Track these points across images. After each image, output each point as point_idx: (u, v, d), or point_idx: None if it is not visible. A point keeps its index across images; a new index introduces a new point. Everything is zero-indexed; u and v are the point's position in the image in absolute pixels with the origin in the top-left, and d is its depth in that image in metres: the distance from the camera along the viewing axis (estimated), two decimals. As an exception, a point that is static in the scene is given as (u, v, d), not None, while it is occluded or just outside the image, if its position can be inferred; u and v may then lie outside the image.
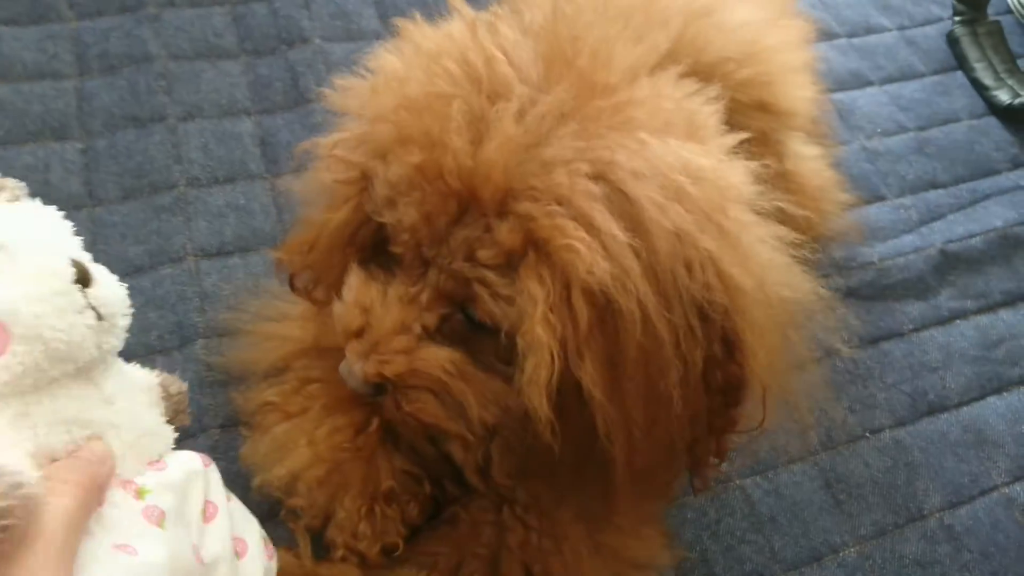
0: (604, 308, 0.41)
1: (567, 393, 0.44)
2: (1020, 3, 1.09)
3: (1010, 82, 1.00)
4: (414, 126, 0.44)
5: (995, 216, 0.89)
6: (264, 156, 0.82)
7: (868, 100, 0.99)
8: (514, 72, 0.44)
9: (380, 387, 0.49)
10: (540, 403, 0.42)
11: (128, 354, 0.68)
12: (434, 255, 0.45)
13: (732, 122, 0.58)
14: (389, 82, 0.47)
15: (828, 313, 0.52)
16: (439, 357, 0.47)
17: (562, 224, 0.40)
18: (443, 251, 0.45)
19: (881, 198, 0.90)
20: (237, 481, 0.63)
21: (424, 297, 0.47)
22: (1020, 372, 0.79)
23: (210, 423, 0.65)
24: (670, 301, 0.42)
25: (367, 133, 0.47)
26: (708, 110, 0.48)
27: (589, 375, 0.42)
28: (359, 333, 0.48)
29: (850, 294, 0.81)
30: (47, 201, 0.74)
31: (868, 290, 0.82)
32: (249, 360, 0.64)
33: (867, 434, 0.73)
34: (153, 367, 0.68)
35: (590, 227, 0.40)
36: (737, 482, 0.69)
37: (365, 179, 0.48)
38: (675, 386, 0.43)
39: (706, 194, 0.42)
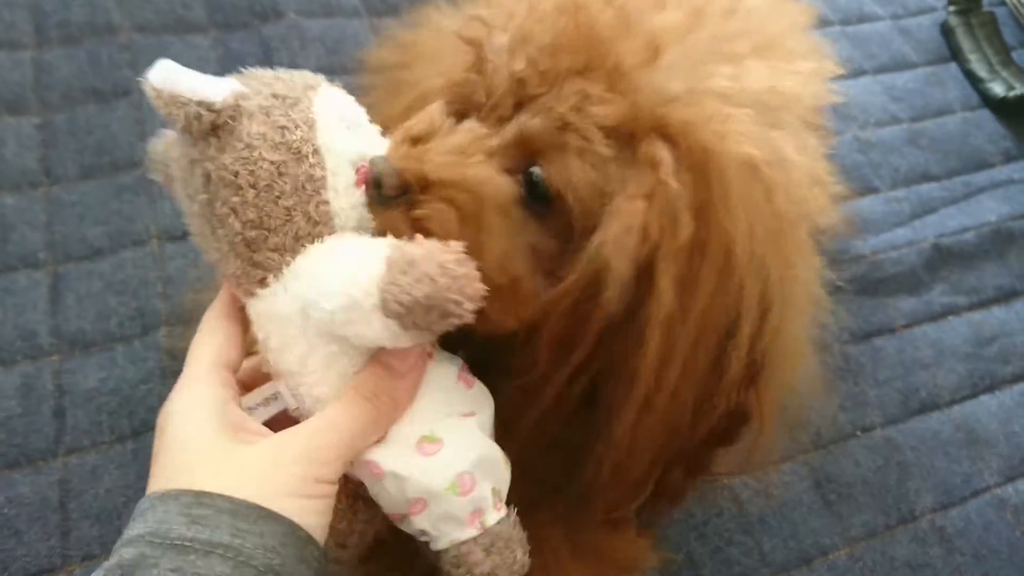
0: (708, 232, 0.38)
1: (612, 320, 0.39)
2: (1014, -6, 1.08)
3: (1004, 74, 0.99)
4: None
5: (988, 210, 0.87)
6: (234, 135, 0.78)
7: (861, 90, 0.96)
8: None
9: (404, 190, 0.40)
10: (620, 264, 0.38)
11: (86, 342, 0.65)
12: (537, 95, 0.40)
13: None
14: None
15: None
16: (495, 180, 0.40)
17: (711, 109, 0.38)
18: (551, 94, 0.40)
19: (874, 190, 0.88)
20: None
21: (497, 141, 0.41)
22: (1013, 370, 0.77)
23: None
24: (757, 266, 0.39)
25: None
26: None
27: (667, 283, 0.38)
28: (416, 140, 0.42)
29: (841, 288, 0.79)
30: (1, 178, 0.71)
31: (860, 284, 0.80)
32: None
33: (858, 432, 0.71)
34: (112, 356, 0.65)
35: (736, 127, 0.38)
36: (725, 482, 0.66)
37: (487, 37, 0.44)
38: (703, 372, 0.41)
39: (798, 207, 0.41)
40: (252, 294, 0.39)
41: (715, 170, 0.38)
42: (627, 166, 0.38)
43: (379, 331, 0.36)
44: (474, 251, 0.37)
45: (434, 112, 0.43)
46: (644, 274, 0.39)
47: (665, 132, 0.38)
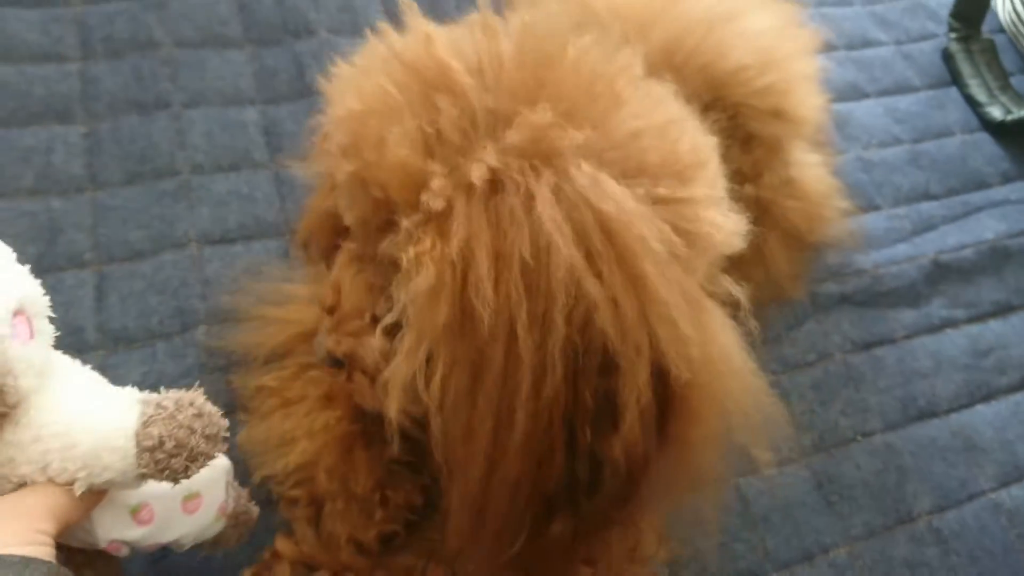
0: (464, 309, 0.38)
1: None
2: (1013, 22, 1.12)
3: (1003, 99, 1.02)
4: (356, 133, 0.43)
5: (986, 228, 0.91)
6: (268, 145, 0.82)
7: (864, 112, 1.00)
8: (472, 81, 0.41)
9: (339, 362, 0.50)
10: (391, 401, 0.41)
11: (129, 338, 0.69)
12: (371, 257, 0.45)
13: (746, 128, 0.59)
14: (351, 83, 0.46)
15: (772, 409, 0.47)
16: (373, 346, 0.47)
17: (450, 211, 0.38)
18: (374, 257, 0.45)
19: (876, 207, 0.91)
20: (235, 467, 0.63)
21: (379, 287, 0.47)
22: (1009, 381, 0.80)
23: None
24: (544, 333, 0.38)
25: (330, 128, 0.47)
26: (705, 143, 0.45)
27: (434, 378, 0.39)
28: (331, 310, 0.49)
29: (844, 300, 0.83)
30: (49, 183, 0.75)
31: (862, 296, 0.83)
32: (251, 344, 0.64)
33: (859, 437, 0.74)
34: (154, 352, 0.69)
35: (474, 224, 0.37)
36: (732, 481, 0.69)
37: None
38: (525, 431, 0.39)
39: (630, 241, 0.38)
40: None
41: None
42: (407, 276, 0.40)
43: (129, 481, 0.41)
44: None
45: (339, 268, 0.49)
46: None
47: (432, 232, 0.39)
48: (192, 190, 0.77)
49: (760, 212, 0.72)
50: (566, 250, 0.37)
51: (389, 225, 0.42)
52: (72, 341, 0.67)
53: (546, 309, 0.37)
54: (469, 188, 0.38)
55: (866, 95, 1.02)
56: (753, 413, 0.45)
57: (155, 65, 0.85)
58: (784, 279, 0.79)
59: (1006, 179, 0.97)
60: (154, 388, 0.66)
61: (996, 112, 1.01)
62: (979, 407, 0.78)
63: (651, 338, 0.39)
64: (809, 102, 0.63)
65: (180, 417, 0.41)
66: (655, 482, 0.44)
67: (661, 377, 0.40)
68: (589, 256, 0.38)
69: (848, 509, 0.70)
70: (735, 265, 0.75)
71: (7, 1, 0.86)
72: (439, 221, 0.38)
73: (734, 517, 0.68)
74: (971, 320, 0.84)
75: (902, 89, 1.04)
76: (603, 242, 0.38)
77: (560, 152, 0.39)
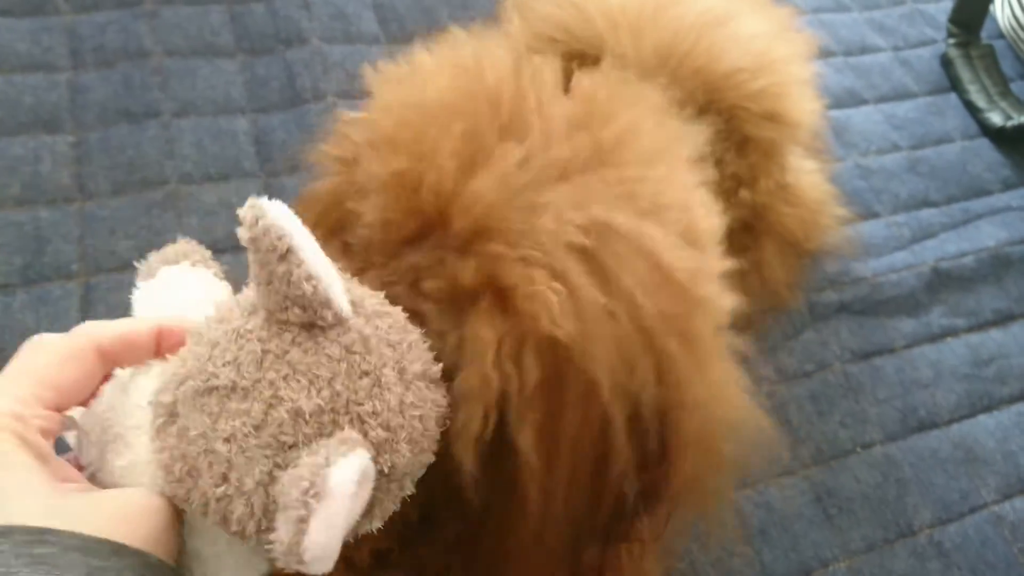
0: (557, 370, 0.37)
1: (495, 454, 0.39)
2: (1012, 27, 1.11)
3: (1002, 104, 1.02)
4: (413, 129, 0.41)
5: (986, 235, 0.90)
6: (259, 155, 0.81)
7: (862, 118, 1.00)
8: (539, 121, 0.40)
9: None
10: (467, 457, 0.38)
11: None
12: (380, 265, 0.42)
13: (741, 132, 0.58)
14: (412, 78, 0.45)
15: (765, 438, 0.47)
16: None
17: (532, 271, 0.36)
18: (389, 267, 0.41)
19: (874, 215, 0.90)
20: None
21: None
22: (1010, 391, 0.79)
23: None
24: (623, 387, 0.38)
25: (372, 119, 0.46)
26: (710, 210, 0.45)
27: (527, 439, 0.38)
28: None
29: (843, 309, 0.82)
30: (36, 193, 0.74)
31: (861, 305, 0.82)
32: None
33: (858, 449, 0.73)
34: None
35: (565, 280, 0.37)
36: (730, 496, 0.68)
37: (354, 162, 0.47)
38: (610, 475, 0.40)
39: (681, 298, 0.39)
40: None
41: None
42: (472, 335, 0.38)
43: None
44: None
45: None
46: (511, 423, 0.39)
47: (496, 292, 0.37)
48: (180, 200, 0.76)
49: (756, 218, 0.72)
50: (648, 304, 0.38)
51: (421, 241, 0.39)
52: (57, 353, 0.67)
53: (630, 366, 0.38)
54: (573, 231, 0.37)
55: (864, 101, 1.02)
56: (750, 434, 0.45)
57: (145, 74, 0.84)
58: (781, 287, 0.78)
59: (1006, 186, 0.96)
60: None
61: (996, 118, 1.00)
62: (980, 417, 0.77)
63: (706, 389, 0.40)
64: (804, 106, 0.62)
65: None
66: (668, 502, 0.45)
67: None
68: (661, 312, 0.38)
69: (847, 522, 0.69)
70: (732, 272, 0.75)
71: (-2, 11, 0.85)
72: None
73: (730, 531, 0.66)
74: (971, 329, 0.83)
75: (901, 95, 1.03)
76: (670, 301, 0.39)
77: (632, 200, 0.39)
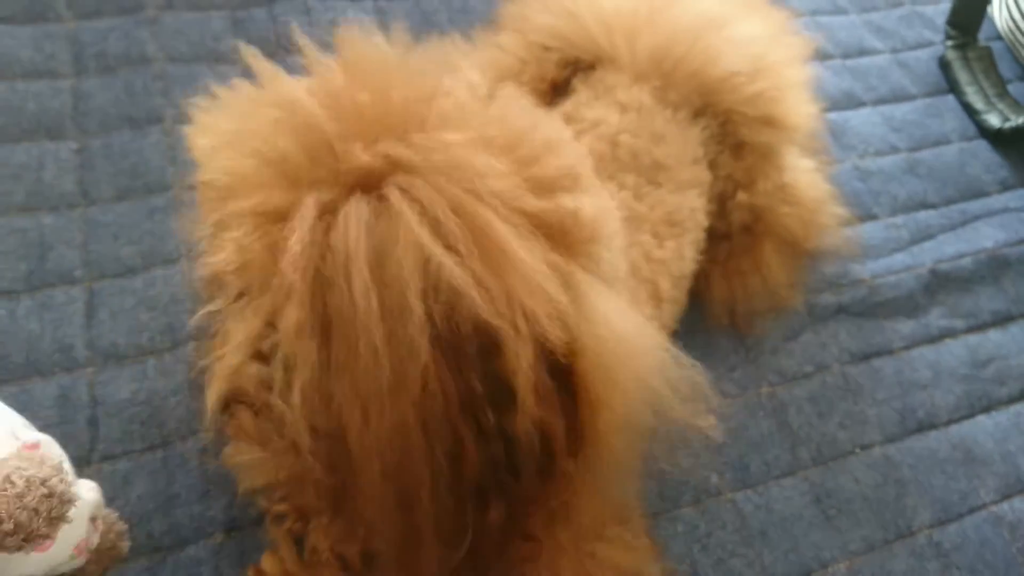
0: (313, 309, 0.37)
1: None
2: (1010, 29, 1.11)
3: (1000, 106, 1.02)
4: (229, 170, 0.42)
5: (985, 237, 0.90)
6: (260, 160, 0.82)
7: (861, 120, 1.00)
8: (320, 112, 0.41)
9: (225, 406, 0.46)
10: (296, 414, 0.39)
11: (119, 355, 0.69)
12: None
13: (737, 135, 0.58)
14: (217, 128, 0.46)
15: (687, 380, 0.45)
16: (253, 373, 0.44)
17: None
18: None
19: (873, 217, 0.91)
20: (224, 483, 0.63)
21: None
22: (1009, 391, 0.79)
23: (200, 428, 0.64)
24: (401, 321, 0.37)
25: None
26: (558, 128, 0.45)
27: (295, 386, 0.39)
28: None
29: (842, 310, 0.82)
30: (40, 200, 0.75)
31: (859, 307, 0.82)
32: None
33: (857, 450, 0.73)
34: (144, 369, 0.68)
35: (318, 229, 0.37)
36: (728, 496, 0.68)
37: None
38: (412, 423, 0.38)
39: (486, 219, 0.38)
40: None
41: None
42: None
43: None
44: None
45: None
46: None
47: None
48: (183, 205, 0.77)
49: (755, 219, 0.72)
50: (415, 231, 0.36)
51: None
52: (62, 358, 0.67)
53: (400, 295, 0.36)
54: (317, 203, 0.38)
55: (862, 104, 1.02)
56: (666, 388, 0.44)
57: (147, 80, 0.85)
58: (781, 287, 0.78)
59: (1004, 187, 0.97)
60: (144, 405, 0.67)
61: (994, 120, 1.01)
62: (979, 418, 0.77)
63: (525, 312, 0.38)
64: (801, 109, 0.63)
65: (27, 499, 0.40)
66: (579, 459, 0.43)
67: (548, 351, 0.39)
68: (443, 237, 0.37)
69: (847, 523, 0.69)
70: (733, 274, 0.75)
71: (0, 18, 0.86)
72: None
73: (730, 532, 0.67)
74: (970, 330, 0.83)
75: (899, 97, 1.04)
76: (457, 223, 0.37)
77: (406, 163, 0.39)
